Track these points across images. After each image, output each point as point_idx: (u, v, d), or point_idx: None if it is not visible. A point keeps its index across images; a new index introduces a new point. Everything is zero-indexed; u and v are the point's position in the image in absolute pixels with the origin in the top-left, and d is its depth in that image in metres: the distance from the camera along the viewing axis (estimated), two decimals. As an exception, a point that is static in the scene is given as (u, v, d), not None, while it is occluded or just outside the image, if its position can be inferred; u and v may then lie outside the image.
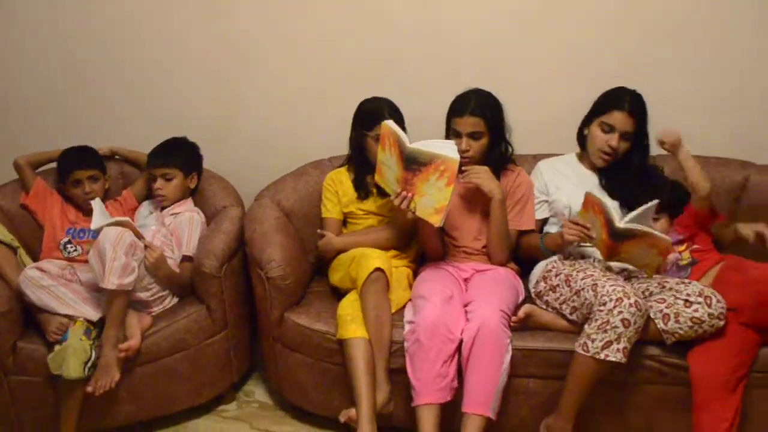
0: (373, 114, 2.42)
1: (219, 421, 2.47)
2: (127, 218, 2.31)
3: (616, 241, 2.09)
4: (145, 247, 2.28)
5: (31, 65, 2.91)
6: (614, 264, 2.25)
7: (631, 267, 2.24)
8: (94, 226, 2.22)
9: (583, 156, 2.44)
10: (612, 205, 2.15)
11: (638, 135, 2.31)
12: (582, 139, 2.42)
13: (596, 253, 2.24)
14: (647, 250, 2.07)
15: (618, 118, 2.27)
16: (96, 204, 2.31)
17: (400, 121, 2.39)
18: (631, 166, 2.34)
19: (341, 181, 2.54)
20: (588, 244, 2.25)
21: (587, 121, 2.38)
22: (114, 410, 2.29)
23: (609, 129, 2.29)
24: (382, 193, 2.46)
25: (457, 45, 2.66)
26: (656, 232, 2.03)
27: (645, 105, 2.30)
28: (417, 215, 2.20)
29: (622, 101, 2.27)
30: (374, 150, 2.39)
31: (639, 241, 2.06)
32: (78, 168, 2.52)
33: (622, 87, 2.33)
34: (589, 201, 2.14)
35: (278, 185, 2.61)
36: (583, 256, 2.30)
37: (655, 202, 2.13)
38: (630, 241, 2.07)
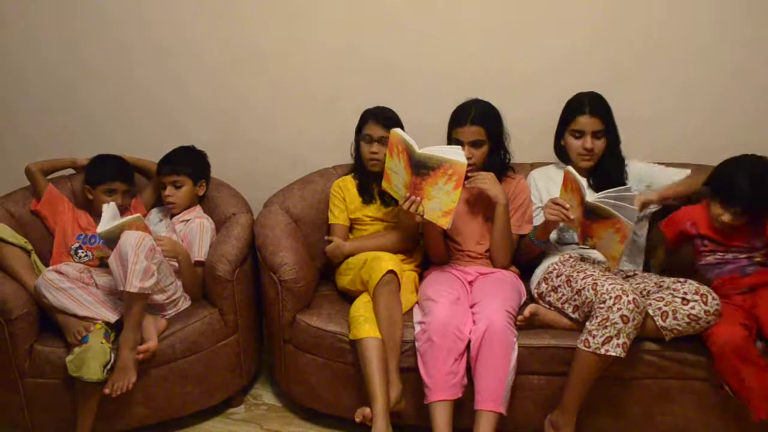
0: (367, 116, 2.56)
1: (229, 423, 2.50)
2: (138, 215, 2.33)
3: (588, 219, 2.18)
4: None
5: (47, 74, 2.94)
6: (589, 252, 2.37)
7: (601, 258, 2.33)
8: (100, 229, 2.24)
9: (570, 164, 2.54)
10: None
11: (609, 130, 2.42)
12: (560, 150, 2.54)
13: (597, 255, 2.35)
14: (612, 235, 2.15)
15: (584, 122, 2.39)
16: (108, 208, 2.33)
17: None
18: (606, 162, 2.45)
19: (348, 189, 2.61)
20: (570, 229, 2.37)
21: (559, 135, 2.51)
22: (128, 412, 2.30)
23: (579, 134, 2.41)
24: (387, 201, 2.55)
25: (459, 56, 2.76)
26: (619, 215, 2.09)
27: (606, 102, 2.42)
28: (425, 218, 2.26)
29: (582, 105, 2.41)
30: (364, 150, 2.54)
31: (606, 223, 2.14)
32: (119, 179, 2.56)
33: (579, 93, 2.46)
34: (566, 178, 2.23)
35: (286, 193, 2.67)
36: (582, 258, 2.39)
37: (629, 186, 2.24)
38: (599, 222, 2.15)
